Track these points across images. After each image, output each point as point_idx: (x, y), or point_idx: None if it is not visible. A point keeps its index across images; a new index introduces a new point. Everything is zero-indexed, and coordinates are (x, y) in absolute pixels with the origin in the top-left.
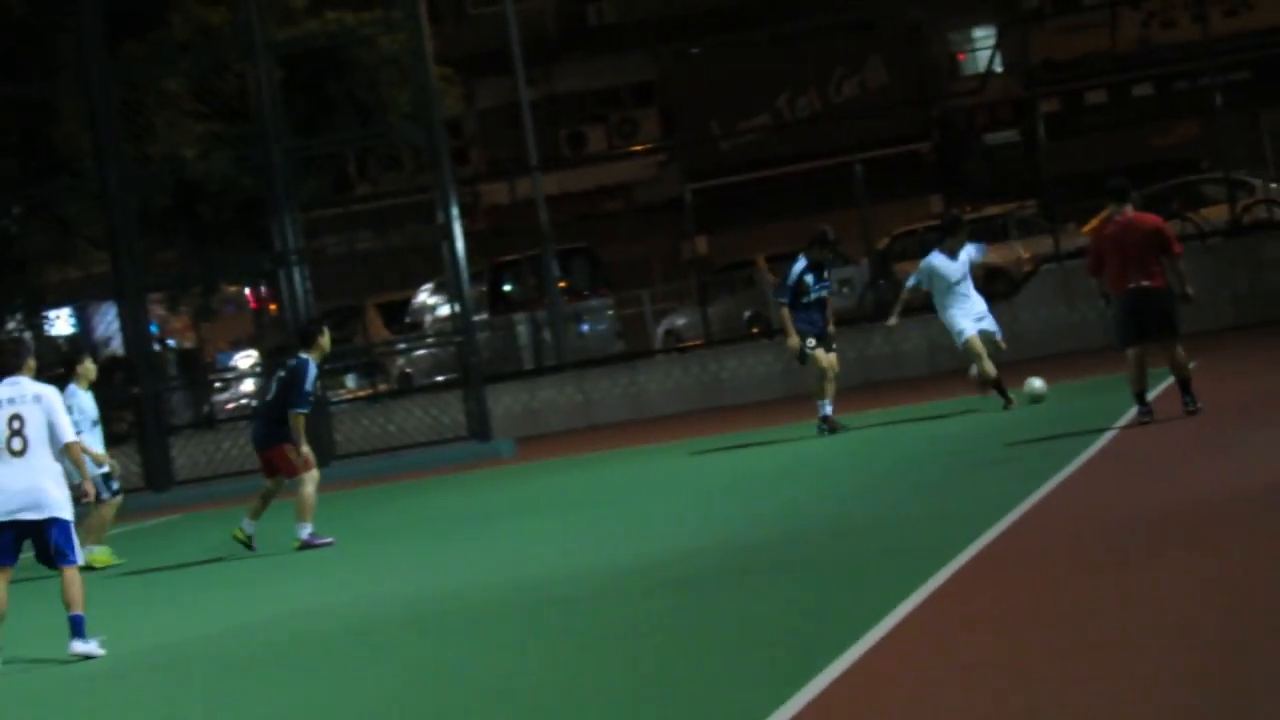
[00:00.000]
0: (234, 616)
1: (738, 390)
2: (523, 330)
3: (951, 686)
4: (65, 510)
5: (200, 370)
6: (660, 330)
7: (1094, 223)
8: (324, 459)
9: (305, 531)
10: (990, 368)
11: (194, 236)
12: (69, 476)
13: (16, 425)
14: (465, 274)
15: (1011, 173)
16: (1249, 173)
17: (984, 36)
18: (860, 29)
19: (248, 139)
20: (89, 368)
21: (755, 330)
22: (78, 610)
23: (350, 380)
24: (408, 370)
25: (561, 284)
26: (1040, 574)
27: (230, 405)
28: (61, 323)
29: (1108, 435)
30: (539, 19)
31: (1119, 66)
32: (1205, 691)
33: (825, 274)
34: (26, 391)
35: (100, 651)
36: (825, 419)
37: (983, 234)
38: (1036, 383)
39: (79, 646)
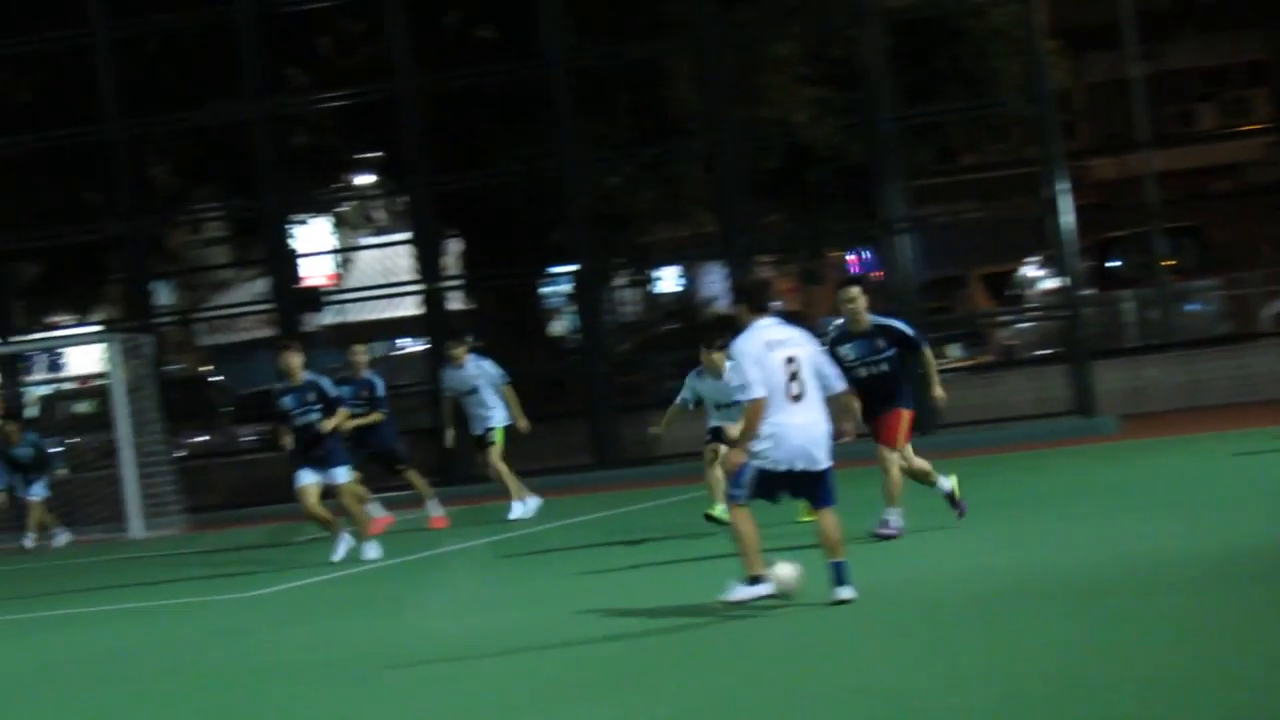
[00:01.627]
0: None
1: None
2: (1128, 307)
3: None
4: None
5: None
6: (1272, 313)
7: None
8: (927, 427)
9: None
10: None
11: (800, 201)
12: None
13: (793, 368)
14: (1072, 248)
15: None
16: None
17: None
18: None
19: (856, 106)
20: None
21: None
22: (840, 557)
23: (954, 350)
24: (1011, 342)
25: (1168, 262)
26: None
27: None
28: (667, 281)
29: None
30: None
31: None
32: None
33: None
34: (795, 333)
35: (854, 595)
36: None
37: None
38: None
39: (842, 593)
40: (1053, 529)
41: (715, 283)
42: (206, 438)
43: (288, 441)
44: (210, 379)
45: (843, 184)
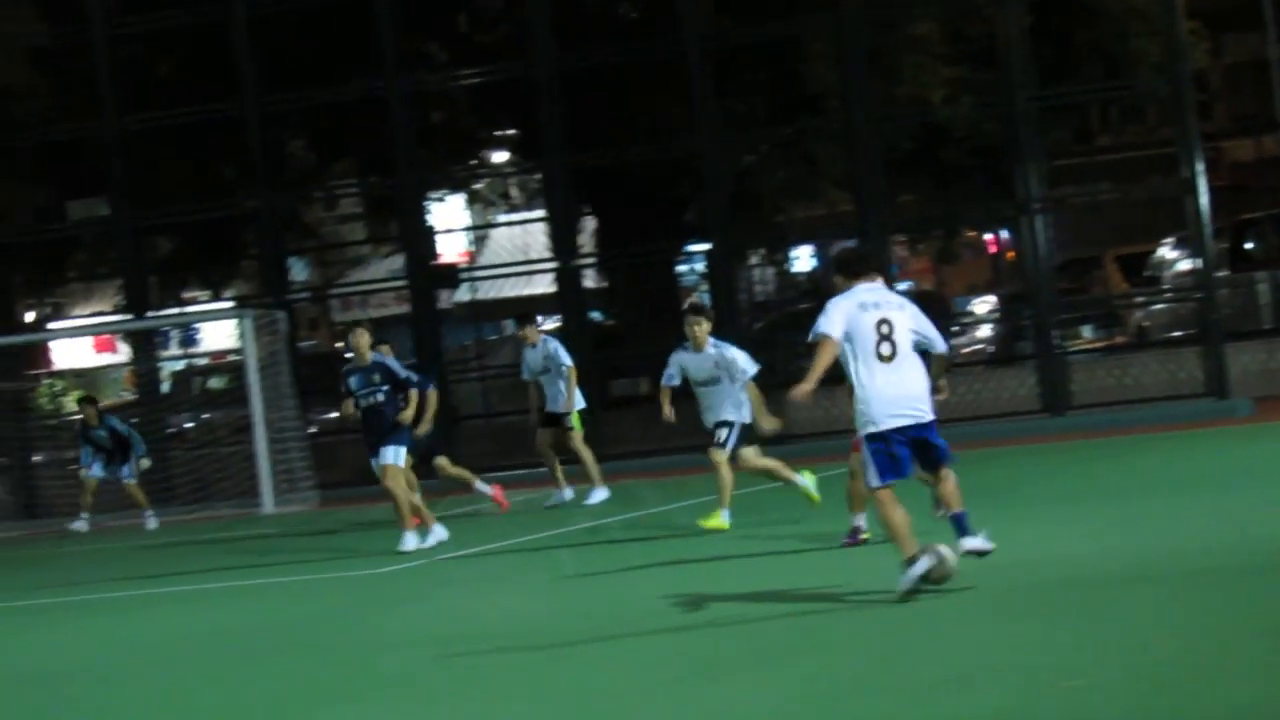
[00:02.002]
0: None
1: None
2: (1263, 289)
3: None
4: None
5: (938, 313)
6: None
7: None
8: (1060, 409)
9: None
10: None
11: (936, 180)
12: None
13: (885, 330)
14: (1208, 229)
15: None
16: None
17: None
18: None
19: (993, 85)
20: None
21: None
22: (959, 508)
23: (1087, 331)
24: (1145, 324)
25: None
26: None
27: (966, 350)
28: (802, 260)
29: None
30: None
31: None
32: None
33: None
34: (891, 298)
35: (990, 545)
36: None
37: None
38: None
39: (969, 544)
40: (1180, 511)
41: None
42: (338, 414)
43: (353, 416)
44: (344, 355)
45: (978, 163)
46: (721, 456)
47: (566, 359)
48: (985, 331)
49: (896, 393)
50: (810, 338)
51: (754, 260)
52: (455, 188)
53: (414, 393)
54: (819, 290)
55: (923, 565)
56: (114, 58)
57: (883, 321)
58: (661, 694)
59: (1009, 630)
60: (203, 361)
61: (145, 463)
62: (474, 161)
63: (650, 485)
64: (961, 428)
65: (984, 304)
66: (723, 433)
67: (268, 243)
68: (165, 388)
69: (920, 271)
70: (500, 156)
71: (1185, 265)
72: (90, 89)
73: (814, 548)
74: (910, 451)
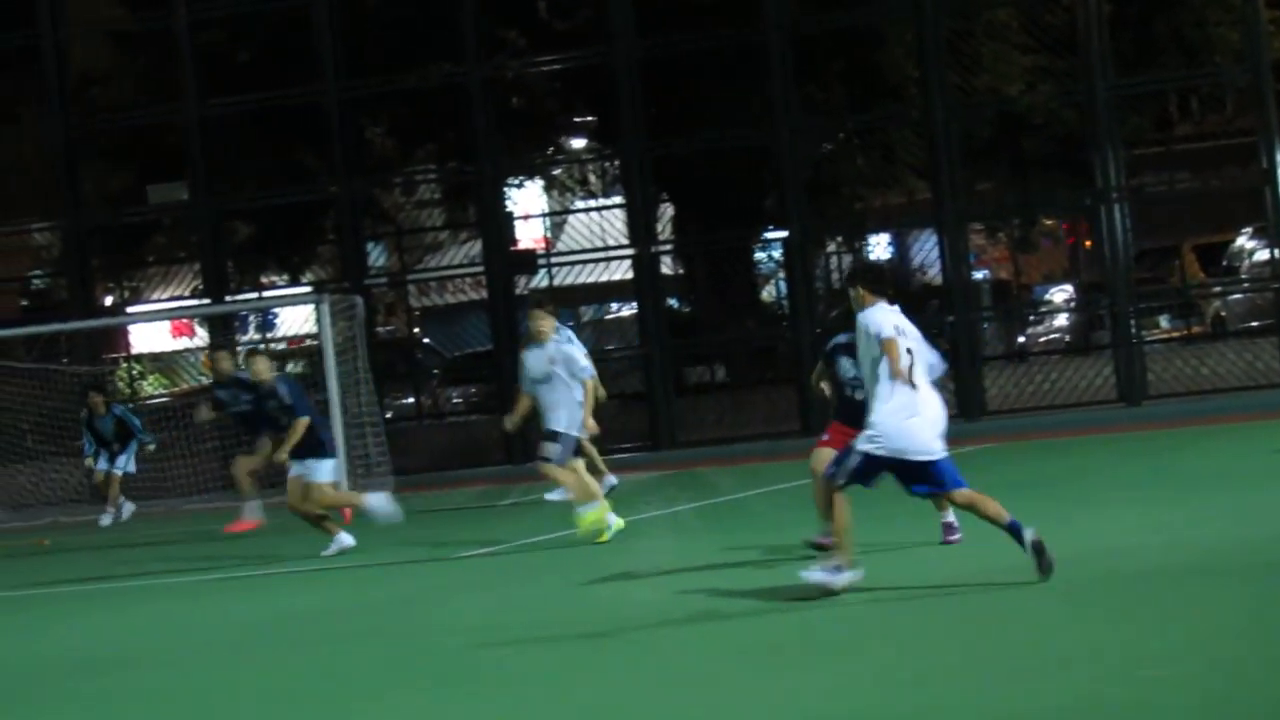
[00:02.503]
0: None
1: None
2: None
3: None
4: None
5: (1014, 302)
6: None
7: None
8: (1136, 399)
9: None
10: None
11: (1014, 169)
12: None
13: (909, 360)
14: None
15: None
16: None
17: None
18: None
19: (1072, 74)
20: None
21: None
22: (1008, 517)
23: (1164, 321)
24: (1222, 314)
25: None
26: None
27: (1043, 339)
28: (880, 248)
29: None
30: None
31: None
32: None
33: None
34: (913, 328)
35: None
36: None
37: None
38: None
39: (1029, 534)
40: (1258, 503)
41: (928, 250)
42: (414, 400)
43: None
44: (422, 341)
45: (1057, 152)
46: (553, 470)
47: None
48: (1062, 321)
49: (921, 426)
50: (879, 338)
51: (831, 248)
52: (534, 174)
53: (300, 421)
54: (897, 279)
55: (843, 580)
56: (195, 42)
57: (909, 351)
58: (735, 681)
59: (1083, 619)
60: (280, 346)
61: (150, 446)
62: (552, 148)
63: (725, 473)
64: (1037, 417)
65: (1061, 293)
66: (551, 448)
67: (346, 228)
68: (242, 371)
69: (997, 260)
70: (579, 143)
71: (1263, 255)
72: (172, 73)
73: (893, 541)
74: (898, 474)
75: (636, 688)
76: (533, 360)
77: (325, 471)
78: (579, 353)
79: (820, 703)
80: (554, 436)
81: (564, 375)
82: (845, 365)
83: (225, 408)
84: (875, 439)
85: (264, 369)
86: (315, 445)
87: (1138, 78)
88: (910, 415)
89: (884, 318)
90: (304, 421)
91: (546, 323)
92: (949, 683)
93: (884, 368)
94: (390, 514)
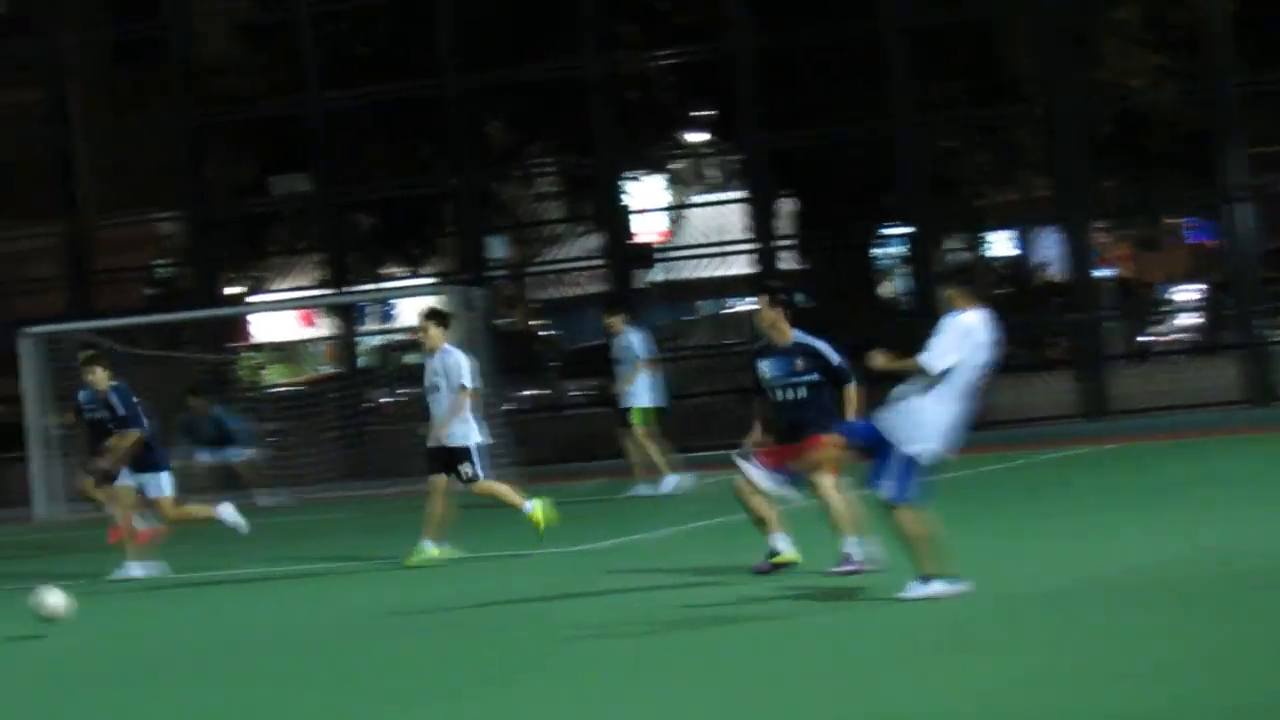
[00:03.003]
0: (1124, 554)
1: None
2: None
3: None
4: None
5: (1138, 301)
6: None
7: None
8: (1262, 400)
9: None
10: None
11: (1137, 166)
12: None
13: (981, 374)
14: None
15: None
16: None
17: None
18: None
19: (1197, 71)
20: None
21: None
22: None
23: None
24: None
25: None
26: None
27: (1167, 338)
28: (1000, 245)
29: None
30: None
31: None
32: None
33: None
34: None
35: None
36: None
37: None
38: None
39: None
40: None
41: (1049, 247)
42: (535, 392)
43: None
44: (540, 333)
45: (1181, 150)
46: (485, 486)
47: (645, 348)
48: (1187, 320)
49: (955, 426)
50: (922, 360)
51: (952, 245)
52: (652, 168)
53: (132, 431)
54: (1018, 276)
55: (937, 588)
56: (318, 34)
57: (981, 365)
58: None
59: (1194, 622)
60: (400, 337)
61: (250, 453)
62: (670, 142)
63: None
64: (1161, 418)
65: (1185, 292)
66: (466, 469)
67: (466, 220)
68: (363, 362)
69: (1120, 258)
70: (697, 137)
71: None
72: (294, 65)
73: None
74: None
75: (771, 680)
76: (427, 368)
77: (160, 485)
78: (466, 365)
79: (937, 702)
80: (463, 455)
81: (445, 386)
82: (762, 368)
83: (84, 415)
84: (928, 439)
85: (102, 379)
86: (149, 459)
87: (1264, 75)
88: (953, 418)
89: (967, 319)
90: (135, 434)
91: (437, 332)
92: (1044, 689)
93: (958, 372)
94: (240, 524)
